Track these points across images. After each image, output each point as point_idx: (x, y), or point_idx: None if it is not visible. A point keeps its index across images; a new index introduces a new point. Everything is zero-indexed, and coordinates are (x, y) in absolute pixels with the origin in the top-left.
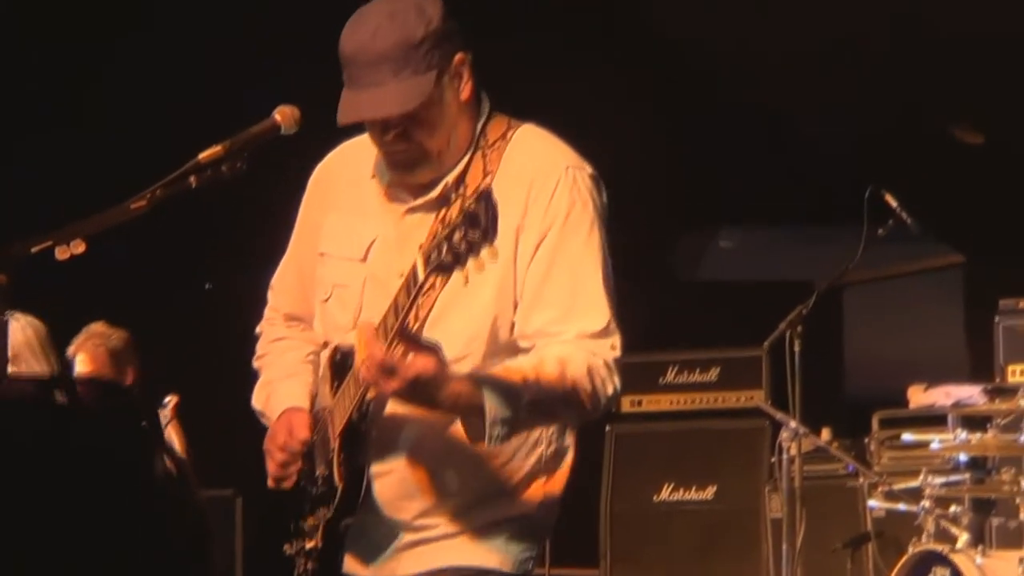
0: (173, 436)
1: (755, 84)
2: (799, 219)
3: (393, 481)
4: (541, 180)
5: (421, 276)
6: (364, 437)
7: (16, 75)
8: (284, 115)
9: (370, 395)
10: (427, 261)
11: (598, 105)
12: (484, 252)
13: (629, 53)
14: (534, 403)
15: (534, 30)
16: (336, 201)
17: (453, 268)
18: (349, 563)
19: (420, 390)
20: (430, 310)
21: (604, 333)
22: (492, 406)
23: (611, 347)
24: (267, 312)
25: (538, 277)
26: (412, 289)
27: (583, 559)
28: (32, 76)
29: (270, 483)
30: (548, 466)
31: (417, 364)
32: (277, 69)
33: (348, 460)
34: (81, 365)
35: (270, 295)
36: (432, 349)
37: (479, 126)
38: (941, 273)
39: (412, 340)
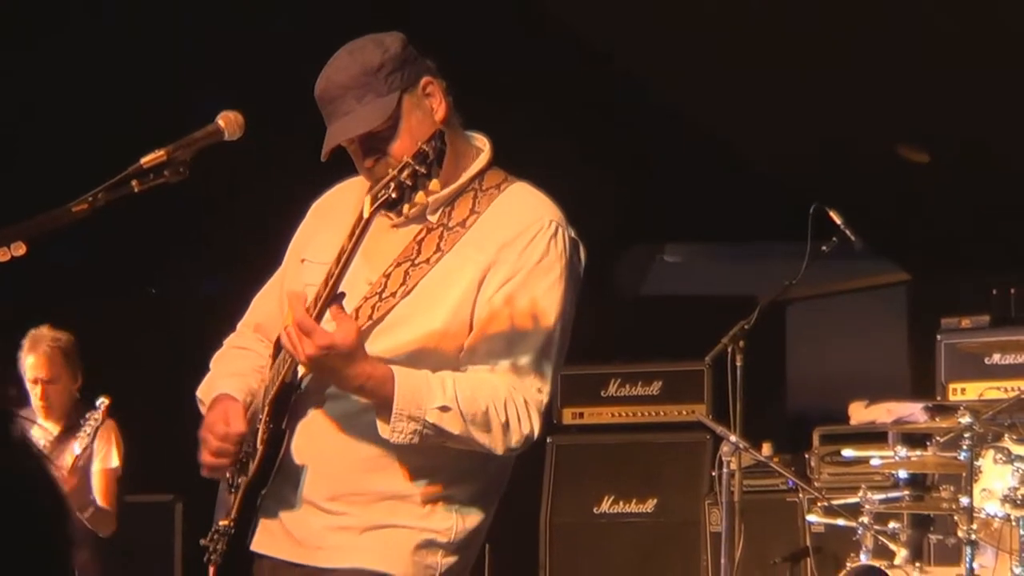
0: (111, 437)
1: (699, 102)
2: (743, 235)
3: (310, 456)
4: (524, 226)
5: (366, 213)
6: (290, 405)
7: None
8: (227, 120)
9: (301, 369)
10: (375, 199)
11: (544, 121)
12: (429, 185)
13: (574, 74)
14: (445, 408)
15: (480, 54)
16: (330, 221)
17: (398, 204)
18: (260, 541)
19: (332, 359)
20: (387, 312)
21: (533, 375)
22: (401, 396)
23: (537, 390)
24: (240, 325)
25: (494, 309)
26: (356, 228)
27: (523, 571)
28: None
29: (203, 472)
30: (472, 490)
31: (334, 333)
32: (225, 75)
33: (272, 424)
34: (37, 369)
35: (248, 310)
36: (353, 326)
37: (477, 166)
38: (885, 291)
39: (339, 311)
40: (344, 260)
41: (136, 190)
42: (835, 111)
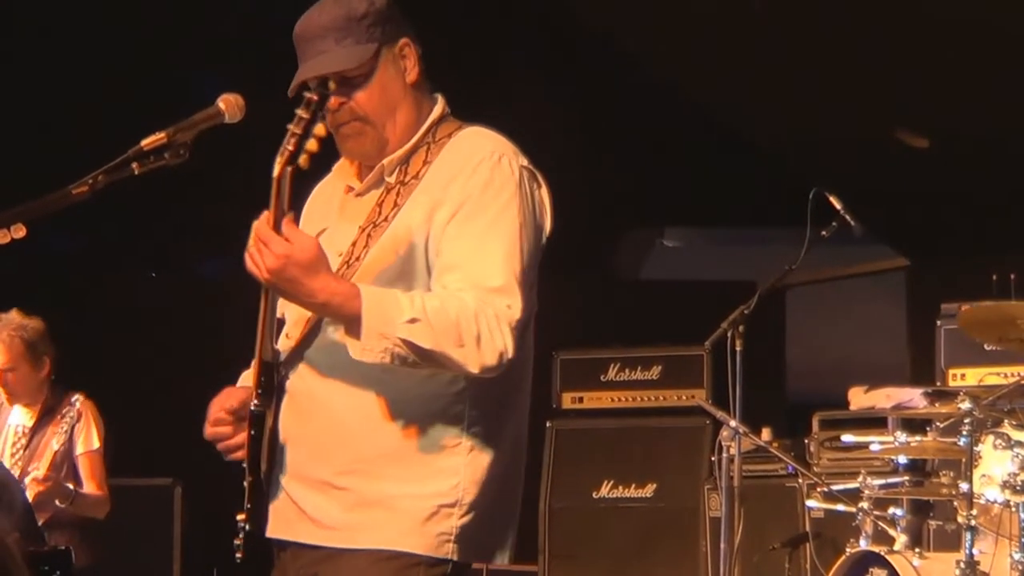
0: (90, 418)
1: (702, 86)
2: (743, 219)
3: (301, 431)
4: (469, 160)
5: (276, 171)
6: (275, 385)
7: None
8: (228, 103)
9: (280, 347)
10: (282, 154)
11: (544, 105)
12: (314, 130)
13: (575, 54)
14: (414, 320)
15: (477, 31)
16: (312, 207)
17: (297, 156)
18: (274, 526)
19: (292, 270)
20: (350, 279)
21: (500, 291)
22: (369, 310)
23: (507, 306)
24: None
25: (447, 244)
26: (273, 187)
27: (521, 555)
28: None
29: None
30: (473, 442)
31: (294, 244)
32: (226, 58)
33: (259, 405)
34: None
35: None
36: (313, 240)
37: (430, 120)
38: (884, 276)
39: (295, 229)
40: (273, 221)
41: (136, 172)
42: (836, 95)
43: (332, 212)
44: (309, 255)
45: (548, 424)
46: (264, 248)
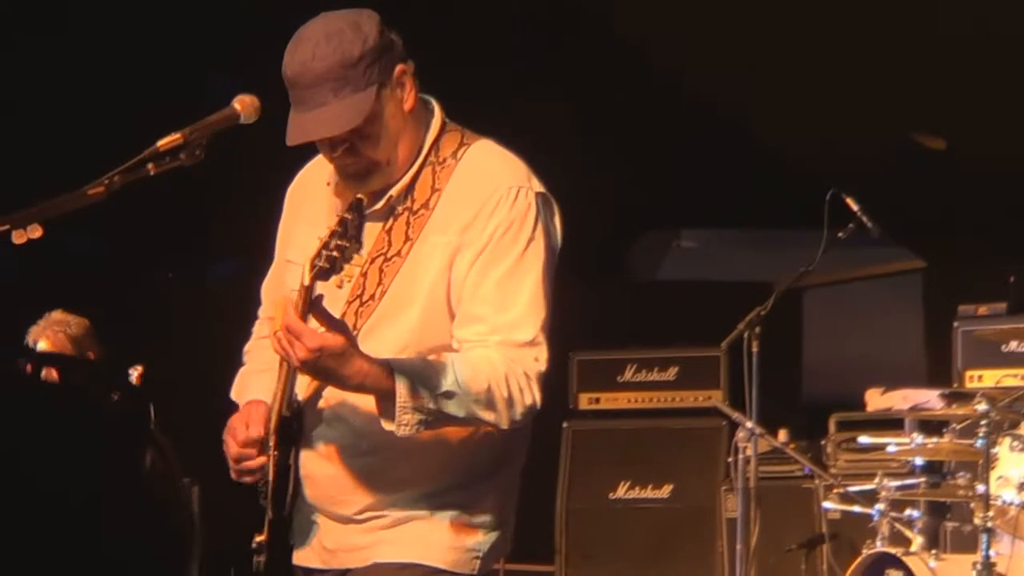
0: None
1: (719, 88)
2: (760, 221)
3: (328, 480)
4: (484, 199)
5: (307, 281)
6: (295, 434)
7: None
8: (243, 104)
9: (300, 393)
10: (312, 267)
11: (562, 107)
12: (354, 258)
13: (591, 55)
14: (449, 395)
15: (491, 39)
16: (305, 211)
17: (331, 273)
18: (300, 555)
19: (325, 360)
20: (369, 316)
21: (528, 344)
22: (402, 390)
23: (534, 359)
24: (259, 313)
25: (470, 290)
26: (301, 294)
27: (538, 556)
28: None
29: (232, 475)
30: (495, 465)
31: (324, 335)
32: (243, 57)
33: (279, 456)
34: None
35: (262, 299)
36: (341, 326)
37: (430, 137)
38: (901, 278)
39: (324, 316)
40: (304, 303)
41: (152, 173)
42: (854, 97)
43: (327, 224)
44: (341, 344)
45: (565, 425)
46: (296, 341)
